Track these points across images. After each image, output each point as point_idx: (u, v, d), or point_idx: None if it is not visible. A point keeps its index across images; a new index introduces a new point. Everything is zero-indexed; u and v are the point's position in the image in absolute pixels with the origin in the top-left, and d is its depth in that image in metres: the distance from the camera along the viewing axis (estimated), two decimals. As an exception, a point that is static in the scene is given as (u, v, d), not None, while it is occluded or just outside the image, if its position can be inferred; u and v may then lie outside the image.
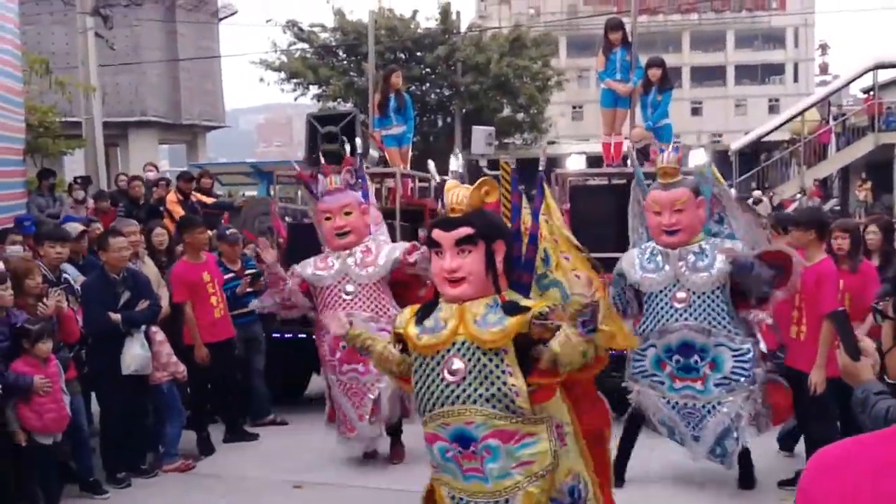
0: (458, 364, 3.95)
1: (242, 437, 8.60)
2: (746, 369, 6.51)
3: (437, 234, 4.05)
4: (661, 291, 6.63)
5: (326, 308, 7.31)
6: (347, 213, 7.35)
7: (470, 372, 3.93)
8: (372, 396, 7.28)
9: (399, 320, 4.25)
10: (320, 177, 7.52)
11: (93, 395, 7.71)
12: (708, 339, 6.49)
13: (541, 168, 4.72)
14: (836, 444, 1.70)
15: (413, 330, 4.09)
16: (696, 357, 6.53)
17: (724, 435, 6.55)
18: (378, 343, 4.40)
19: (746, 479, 6.89)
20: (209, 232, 8.84)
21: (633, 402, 6.89)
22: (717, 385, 6.52)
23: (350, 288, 7.29)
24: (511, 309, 3.99)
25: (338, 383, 7.41)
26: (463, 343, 3.96)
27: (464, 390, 3.93)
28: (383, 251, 7.42)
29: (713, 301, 6.53)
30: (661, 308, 6.61)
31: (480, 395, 3.92)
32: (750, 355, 6.52)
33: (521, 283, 4.24)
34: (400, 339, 4.22)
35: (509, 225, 4.34)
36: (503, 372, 3.95)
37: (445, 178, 12.47)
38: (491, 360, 3.94)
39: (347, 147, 9.10)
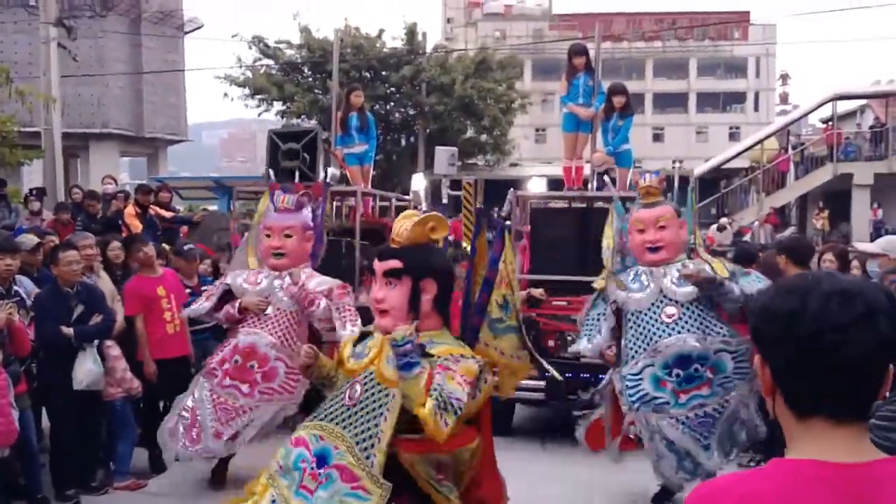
0: (357, 390, 3.96)
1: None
2: (747, 368, 6.55)
3: (374, 262, 4.09)
4: (648, 309, 6.67)
5: (241, 322, 7.29)
6: (287, 236, 7.29)
7: (361, 401, 3.92)
8: (242, 422, 7.12)
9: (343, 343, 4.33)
10: (277, 192, 7.49)
11: (43, 409, 7.59)
12: (705, 347, 6.52)
13: (504, 214, 4.73)
14: (715, 478, 1.78)
15: (347, 352, 4.16)
16: (696, 366, 6.52)
17: (732, 423, 6.56)
18: (337, 374, 4.29)
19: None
20: (150, 247, 8.54)
21: (637, 432, 6.79)
22: (719, 385, 6.54)
23: (269, 311, 7.22)
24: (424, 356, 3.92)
25: (210, 391, 7.22)
26: (371, 373, 3.95)
27: (349, 416, 3.93)
28: (311, 283, 7.26)
29: (701, 311, 6.62)
30: (650, 326, 6.64)
31: (353, 425, 3.90)
32: (748, 354, 6.54)
33: (471, 325, 4.21)
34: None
35: (466, 244, 4.37)
36: (380, 414, 3.87)
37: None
38: (380, 397, 3.90)
39: (297, 165, 9.08)
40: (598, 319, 6.97)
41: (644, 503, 7.18)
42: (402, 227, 4.05)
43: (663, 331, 6.59)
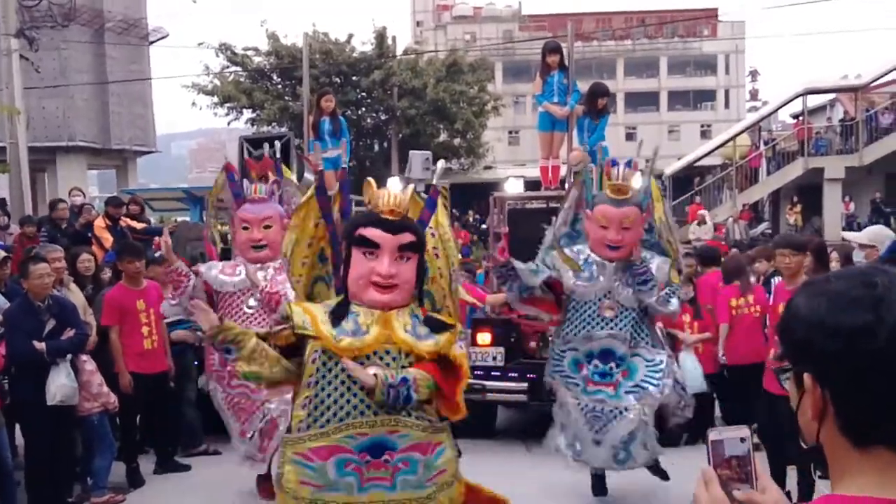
0: (376, 373, 3.79)
1: (174, 468, 8.35)
2: (657, 379, 6.75)
3: (377, 234, 3.89)
4: (590, 301, 6.78)
5: (226, 317, 7.10)
6: (267, 227, 7.13)
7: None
8: (261, 416, 6.99)
9: (298, 320, 3.92)
10: (245, 181, 7.31)
11: (17, 426, 7.42)
12: (628, 349, 6.73)
13: (433, 182, 4.59)
14: None
15: (329, 330, 3.87)
16: (612, 364, 6.74)
17: (630, 440, 6.71)
18: (250, 339, 3.93)
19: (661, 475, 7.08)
20: (142, 262, 8.36)
21: (557, 398, 7.05)
22: (627, 392, 6.73)
23: (253, 302, 7.05)
24: (436, 325, 3.98)
25: (224, 395, 7.13)
26: (387, 352, 3.87)
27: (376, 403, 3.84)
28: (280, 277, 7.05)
29: (639, 315, 6.78)
30: (589, 316, 6.78)
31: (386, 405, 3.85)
32: (662, 366, 6.78)
33: None
34: (292, 339, 3.98)
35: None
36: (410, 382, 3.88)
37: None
38: (405, 363, 3.91)
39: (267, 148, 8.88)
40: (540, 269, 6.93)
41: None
42: (398, 197, 3.99)
43: (598, 323, 6.75)
